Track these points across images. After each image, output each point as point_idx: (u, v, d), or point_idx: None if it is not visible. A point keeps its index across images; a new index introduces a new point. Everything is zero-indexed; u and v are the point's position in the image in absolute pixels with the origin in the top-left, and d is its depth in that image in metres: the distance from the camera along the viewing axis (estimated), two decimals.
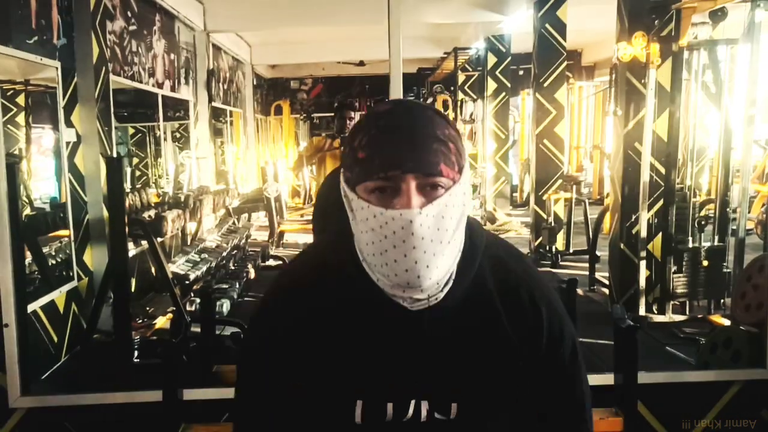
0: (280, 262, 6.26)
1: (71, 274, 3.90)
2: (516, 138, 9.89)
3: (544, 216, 6.41)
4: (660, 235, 4.25)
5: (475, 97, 9.18)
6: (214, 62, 7.78)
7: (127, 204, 3.92)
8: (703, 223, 4.16)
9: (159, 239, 4.37)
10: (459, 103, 9.30)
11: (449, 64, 9.98)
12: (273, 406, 1.02)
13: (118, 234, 3.51)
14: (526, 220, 7.18)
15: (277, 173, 7.66)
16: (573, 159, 9.58)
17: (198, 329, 3.42)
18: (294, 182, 10.49)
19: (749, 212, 5.51)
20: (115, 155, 3.45)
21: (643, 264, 4.21)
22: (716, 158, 4.33)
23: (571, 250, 6.31)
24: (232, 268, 5.55)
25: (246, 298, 5.08)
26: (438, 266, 0.88)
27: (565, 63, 6.43)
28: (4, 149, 2.47)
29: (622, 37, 4.14)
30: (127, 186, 5.45)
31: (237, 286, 4.94)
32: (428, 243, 0.86)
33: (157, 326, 4.06)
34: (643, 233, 4.19)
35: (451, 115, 9.76)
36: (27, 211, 4.06)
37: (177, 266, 4.82)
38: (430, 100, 10.21)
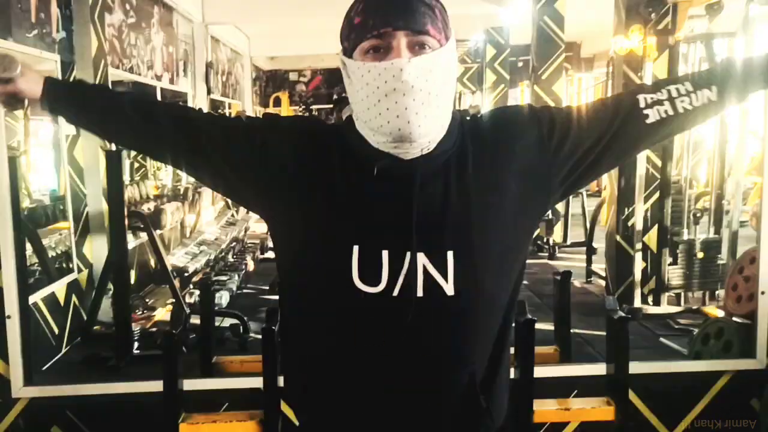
0: None
1: (71, 266, 3.93)
2: None
3: None
4: (656, 227, 4.28)
5: (474, 89, 9.19)
6: (212, 54, 7.78)
7: (126, 196, 3.95)
8: (698, 215, 4.19)
9: (158, 231, 4.40)
10: (458, 95, 9.30)
11: None
12: (202, 130, 1.08)
13: (117, 226, 3.54)
14: None
15: None
16: None
17: (197, 321, 3.45)
18: None
19: (745, 204, 5.55)
20: (114, 148, 3.46)
21: (638, 256, 4.24)
22: (713, 151, 4.36)
23: (568, 242, 6.34)
24: (231, 260, 5.58)
25: (245, 290, 5.12)
26: (426, 115, 0.94)
27: (564, 55, 6.43)
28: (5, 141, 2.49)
29: (619, 30, 4.16)
30: (126, 178, 5.47)
31: (236, 278, 4.98)
32: (417, 92, 0.93)
33: (156, 318, 4.10)
34: (639, 225, 4.23)
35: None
36: (26, 203, 4.08)
37: (176, 258, 4.86)
38: None
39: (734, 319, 2.89)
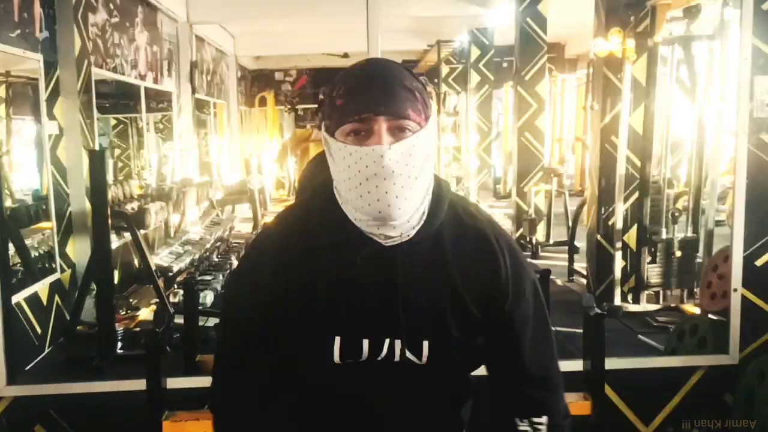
0: None
1: (54, 266, 3.92)
2: (500, 130, 9.97)
3: (526, 208, 6.51)
4: (635, 226, 4.35)
5: (458, 89, 9.23)
6: (197, 54, 7.76)
7: (109, 196, 3.94)
8: (676, 214, 4.27)
9: (142, 231, 4.40)
10: (442, 95, 9.34)
11: (433, 57, 10.02)
12: (253, 350, 1.09)
13: (101, 226, 3.54)
14: (509, 211, 7.27)
15: (261, 165, 7.68)
16: (555, 151, 9.69)
17: (181, 320, 3.46)
18: (279, 174, 10.50)
19: (723, 204, 5.64)
20: (97, 148, 3.47)
21: (618, 255, 4.31)
22: (691, 151, 4.43)
23: (551, 242, 6.41)
24: (216, 260, 5.58)
25: None
26: (406, 198, 0.98)
27: (546, 57, 6.50)
28: None
29: (599, 32, 4.22)
30: (110, 178, 5.46)
31: (220, 277, 4.98)
32: (397, 176, 0.96)
33: (140, 318, 4.10)
34: (619, 225, 4.29)
35: (434, 107, 9.80)
36: (8, 203, 4.06)
37: (160, 258, 4.86)
38: None
39: (709, 316, 2.95)
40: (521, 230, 6.51)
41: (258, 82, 12.93)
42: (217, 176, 8.17)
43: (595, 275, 4.47)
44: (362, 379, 1.05)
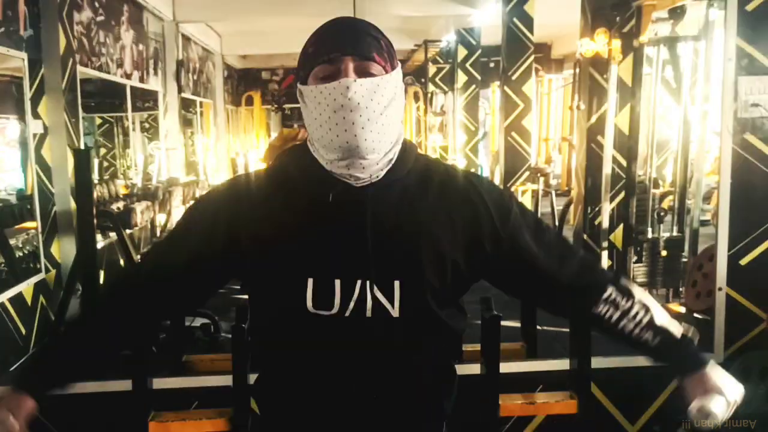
0: None
1: (39, 266, 3.88)
2: (487, 130, 10.01)
3: None
4: (621, 226, 4.37)
5: (445, 89, 9.26)
6: (183, 52, 7.72)
7: (95, 195, 3.91)
8: (662, 214, 4.30)
9: (128, 231, 4.36)
10: (429, 95, 9.36)
11: (420, 56, 10.05)
12: (171, 267, 1.15)
13: (86, 226, 3.50)
14: None
15: (247, 164, 7.65)
16: (542, 151, 9.74)
17: (167, 320, 3.44)
18: None
19: (708, 203, 5.70)
20: (82, 147, 3.43)
21: (605, 254, 4.33)
22: (677, 151, 4.47)
23: None
24: None
25: None
26: (371, 131, 1.02)
27: (533, 57, 6.52)
28: None
29: (585, 32, 4.23)
30: (95, 177, 5.41)
31: None
32: (363, 109, 1.01)
33: None
34: (605, 224, 4.31)
35: (422, 107, 9.84)
36: None
37: None
38: None
39: (694, 314, 2.97)
40: None
41: (245, 82, 12.89)
42: (203, 176, 8.13)
43: None
44: (336, 338, 1.06)
